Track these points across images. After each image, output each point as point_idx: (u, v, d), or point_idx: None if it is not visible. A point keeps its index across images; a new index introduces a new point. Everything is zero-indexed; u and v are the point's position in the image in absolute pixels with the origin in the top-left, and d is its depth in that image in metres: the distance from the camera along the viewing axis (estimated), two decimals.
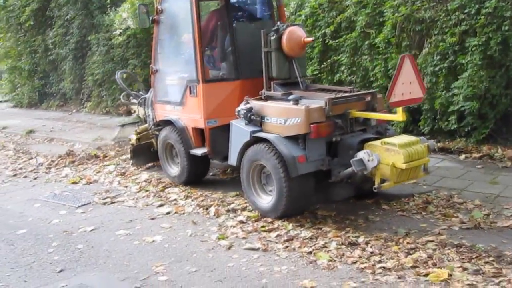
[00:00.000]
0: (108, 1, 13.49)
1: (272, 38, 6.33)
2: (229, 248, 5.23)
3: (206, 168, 7.51)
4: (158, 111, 7.80)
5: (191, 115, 7.04)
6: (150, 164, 8.45)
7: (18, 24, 15.61)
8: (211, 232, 5.66)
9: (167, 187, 7.37)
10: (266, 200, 6.05)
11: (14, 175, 8.57)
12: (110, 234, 5.73)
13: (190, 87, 6.98)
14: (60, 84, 15.54)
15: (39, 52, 15.58)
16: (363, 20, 8.80)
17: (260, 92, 6.44)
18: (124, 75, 9.62)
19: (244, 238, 5.46)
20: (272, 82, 6.47)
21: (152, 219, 6.17)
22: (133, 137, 8.43)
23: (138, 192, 7.27)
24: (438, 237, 5.25)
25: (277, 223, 5.82)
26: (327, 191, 6.23)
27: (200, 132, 7.04)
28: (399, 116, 5.42)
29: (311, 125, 5.55)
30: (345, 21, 9.20)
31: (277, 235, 5.46)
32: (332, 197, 6.36)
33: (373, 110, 5.95)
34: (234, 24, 7.06)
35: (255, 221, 5.91)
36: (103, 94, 13.97)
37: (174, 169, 7.56)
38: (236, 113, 6.19)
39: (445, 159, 7.84)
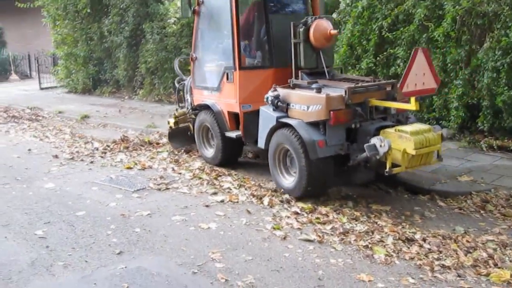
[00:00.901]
0: None
1: (301, 30, 6.77)
2: (284, 238, 5.23)
3: (240, 150, 7.94)
4: (195, 96, 8.28)
5: (227, 100, 7.49)
6: (188, 146, 8.88)
7: (75, 11, 15.92)
8: (266, 222, 5.67)
9: (220, 175, 7.43)
10: (290, 180, 6.49)
11: (71, 158, 8.77)
12: (166, 219, 5.81)
13: (227, 74, 7.42)
14: (114, 71, 15.82)
15: (94, 39, 15.88)
16: (422, 12, 8.61)
17: (289, 80, 6.87)
18: (182, 61, 10.10)
19: (299, 229, 5.46)
20: (300, 71, 6.92)
21: (207, 206, 6.23)
22: (171, 121, 8.81)
23: (191, 179, 7.34)
24: (499, 237, 5.14)
25: (331, 215, 5.81)
26: (349, 174, 6.50)
27: (234, 116, 7.49)
28: (412, 105, 5.69)
29: (331, 112, 5.90)
30: (403, 14, 9.03)
31: (332, 228, 5.44)
32: (354, 180, 6.68)
33: (393, 99, 6.21)
34: (270, 16, 7.44)
35: (309, 212, 5.91)
36: (156, 82, 14.17)
37: (210, 151, 8.06)
38: (265, 100, 6.60)
39: (503, 157, 7.64)
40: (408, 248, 4.94)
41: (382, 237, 5.20)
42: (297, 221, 5.65)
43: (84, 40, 16.18)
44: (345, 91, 5.99)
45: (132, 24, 14.33)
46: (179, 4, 9.17)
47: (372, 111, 6.18)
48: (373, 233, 5.30)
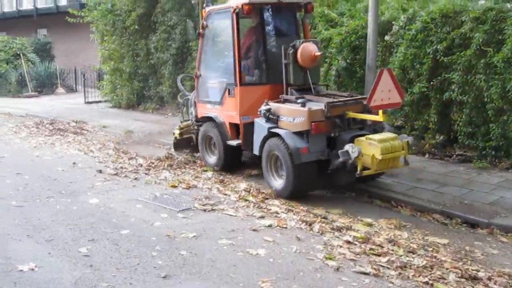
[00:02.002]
0: None
1: (290, 52, 7.83)
2: (338, 269, 4.94)
3: (239, 157, 8.77)
4: (199, 109, 9.20)
5: (229, 112, 8.44)
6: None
7: (123, 27, 16.07)
8: (317, 250, 5.39)
9: (267, 198, 7.20)
10: (279, 182, 7.39)
11: (115, 174, 8.68)
12: (213, 243, 5.59)
13: (229, 89, 8.36)
14: (158, 88, 15.84)
15: (141, 55, 15.97)
16: (480, 37, 8.28)
17: (280, 95, 7.86)
18: (184, 78, 11.34)
19: (352, 260, 5.16)
20: (290, 88, 7.95)
21: (254, 230, 5.99)
22: (177, 132, 9.93)
23: (237, 201, 7.13)
24: None
25: (386, 247, 5.50)
26: (331, 177, 7.34)
27: (235, 126, 8.44)
28: (380, 117, 6.80)
29: (312, 123, 6.90)
30: (459, 37, 8.70)
31: (388, 260, 5.12)
32: (336, 182, 7.47)
33: (368, 112, 7.06)
34: (266, 39, 8.56)
35: (363, 242, 5.60)
36: None
37: (212, 158, 8.95)
38: (258, 112, 7.60)
39: None
40: (473, 287, 4.59)
41: (442, 273, 4.86)
42: (350, 251, 5.36)
43: (131, 56, 16.30)
44: (325, 105, 6.99)
45: (179, 41, 14.34)
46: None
47: (350, 122, 7.20)
48: (432, 268, 4.97)
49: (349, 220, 6.35)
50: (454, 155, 9.08)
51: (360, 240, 5.65)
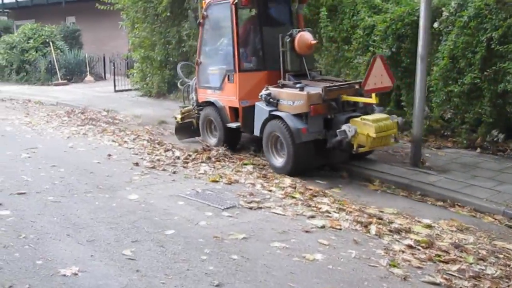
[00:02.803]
0: None
1: (287, 40, 8.41)
2: (405, 278, 4.53)
3: (238, 138, 9.42)
4: (200, 95, 9.78)
5: (228, 97, 9.05)
6: (191, 139, 10.27)
7: (154, 14, 15.68)
8: (378, 256, 4.99)
9: (315, 196, 6.79)
10: (280, 161, 8.00)
11: (152, 167, 8.35)
12: (265, 246, 5.21)
13: (228, 75, 8.96)
14: (190, 76, 15.44)
15: (172, 43, 15.59)
16: None
17: (278, 81, 8.41)
18: (184, 66, 11.63)
19: (419, 267, 4.74)
20: (287, 74, 8.49)
21: (306, 232, 5.60)
22: (178, 116, 10.42)
23: (284, 198, 6.75)
24: None
25: (453, 253, 5.06)
26: (327, 155, 8.06)
27: (234, 110, 9.04)
28: (373, 99, 7.43)
29: (311, 106, 7.51)
30: None
31: (459, 269, 4.68)
32: (332, 160, 8.19)
33: (361, 95, 7.75)
34: (263, 28, 9.02)
35: (426, 247, 5.17)
36: None
37: (213, 140, 9.56)
38: (259, 97, 8.18)
39: None
40: None
41: None
42: (415, 258, 4.93)
43: (162, 44, 15.92)
44: (322, 89, 7.58)
45: None
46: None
47: (344, 105, 7.80)
48: (509, 279, 4.53)
49: (406, 221, 5.92)
50: (509, 150, 8.57)
51: (423, 244, 5.22)
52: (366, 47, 10.39)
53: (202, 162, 8.60)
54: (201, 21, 9.49)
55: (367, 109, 7.91)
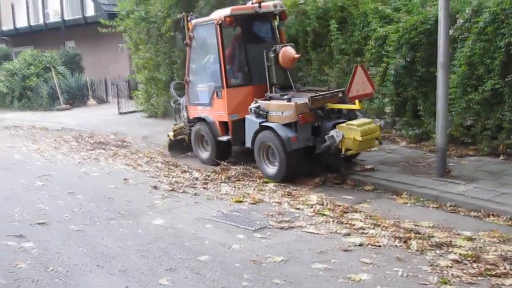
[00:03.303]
0: None
1: (272, 55, 8.88)
2: None
3: (229, 151, 9.82)
4: (190, 112, 10.19)
5: (218, 112, 9.42)
6: (183, 155, 10.74)
7: (158, 35, 15.55)
8: (425, 273, 4.79)
9: (346, 212, 6.60)
10: (272, 169, 8.34)
11: (172, 190, 8.16)
12: (306, 268, 5.01)
13: (217, 92, 9.36)
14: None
15: (177, 62, 15.42)
16: None
17: (265, 94, 8.84)
18: (177, 85, 11.75)
19: (471, 283, 4.55)
20: (273, 87, 8.93)
21: (345, 250, 5.40)
22: (171, 134, 10.74)
23: (314, 216, 6.55)
24: None
25: (502, 266, 4.86)
26: (317, 161, 8.48)
27: (224, 124, 9.41)
28: (356, 106, 7.84)
29: (299, 115, 7.92)
30: None
31: None
32: (321, 165, 8.52)
33: (344, 103, 8.21)
34: (247, 45, 9.42)
35: (473, 261, 4.97)
36: None
37: (205, 153, 9.94)
38: (249, 110, 8.58)
39: None
40: None
41: None
42: (464, 273, 4.73)
43: (167, 64, 15.78)
44: (309, 99, 8.01)
45: None
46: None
47: (329, 112, 8.25)
48: None
49: (445, 235, 5.72)
50: None
51: (469, 258, 5.02)
52: (379, 57, 10.27)
53: (222, 182, 8.42)
54: (188, 42, 9.87)
55: (351, 115, 8.32)
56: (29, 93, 22.74)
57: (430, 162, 8.64)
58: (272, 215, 6.60)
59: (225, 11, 9.20)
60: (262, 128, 8.36)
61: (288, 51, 8.87)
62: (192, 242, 5.86)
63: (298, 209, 6.86)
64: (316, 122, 8.15)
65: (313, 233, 5.96)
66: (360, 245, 5.53)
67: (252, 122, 8.58)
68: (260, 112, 8.40)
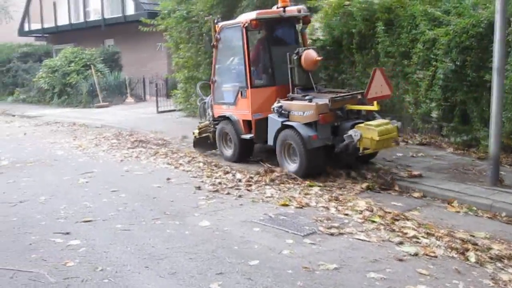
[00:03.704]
0: None
1: (295, 58, 9.19)
2: None
3: (251, 149, 10.18)
4: (215, 110, 10.59)
5: (242, 111, 9.80)
6: (210, 151, 11.21)
7: (199, 34, 15.53)
8: (488, 287, 4.58)
9: (397, 219, 6.40)
10: (293, 165, 8.70)
11: (216, 191, 8.08)
12: (361, 277, 4.85)
13: (241, 91, 9.74)
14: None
15: None
16: None
17: (287, 94, 9.23)
18: (203, 85, 12.22)
19: None
20: (295, 88, 9.30)
21: (400, 260, 5.22)
22: (196, 131, 11.28)
23: (363, 222, 6.38)
24: None
25: None
26: (336, 159, 8.77)
27: (248, 123, 9.79)
28: (375, 107, 8.15)
29: (320, 115, 8.32)
30: None
31: None
32: (340, 162, 8.82)
33: (363, 104, 8.50)
34: (271, 48, 9.88)
35: None
36: None
37: (229, 151, 10.30)
38: (272, 109, 9.01)
39: None
40: None
41: None
42: None
43: (207, 63, 15.71)
44: (329, 100, 8.38)
45: None
46: (317, 25, 11.63)
47: (348, 113, 8.59)
48: None
49: (504, 247, 5.50)
50: None
51: None
52: (428, 61, 10.02)
53: (266, 184, 8.30)
54: (215, 43, 10.26)
55: (369, 116, 8.60)
56: (69, 90, 23.05)
57: (480, 169, 8.40)
58: (320, 221, 6.45)
59: (251, 15, 9.61)
60: (284, 127, 8.72)
61: (310, 54, 9.18)
62: (240, 245, 5.75)
63: (347, 215, 6.70)
64: (335, 122, 8.48)
65: (365, 240, 5.80)
66: (415, 254, 5.34)
67: (274, 121, 8.95)
68: (283, 111, 8.77)
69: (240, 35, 9.54)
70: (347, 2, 11.36)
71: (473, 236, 5.85)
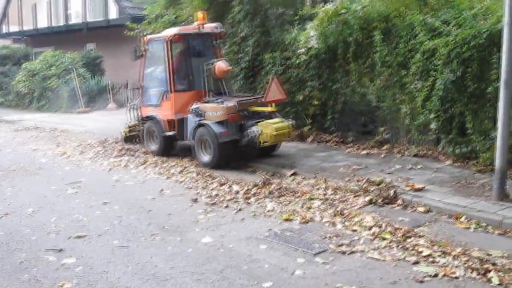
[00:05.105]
0: (297, 18, 12.73)
1: (209, 67, 11.18)
2: None
3: (173, 144, 11.80)
4: (143, 111, 12.34)
5: (165, 112, 11.47)
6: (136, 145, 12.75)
7: None
8: None
9: (409, 236, 6.15)
10: (207, 157, 10.35)
11: (214, 204, 7.77)
12: None
13: (165, 95, 11.42)
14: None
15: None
16: None
17: (203, 98, 11.01)
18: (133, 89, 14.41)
19: None
20: (210, 92, 11.18)
21: (420, 282, 4.97)
22: (126, 130, 13.25)
23: (373, 239, 6.12)
24: None
25: None
26: (242, 152, 10.39)
27: (170, 122, 11.42)
28: (272, 108, 10.04)
29: (229, 115, 10.03)
30: None
31: None
32: (246, 155, 10.44)
33: (264, 106, 10.17)
34: (191, 58, 11.65)
35: None
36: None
37: (154, 146, 11.90)
38: (190, 110, 10.72)
39: None
40: None
41: None
42: None
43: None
44: (236, 103, 10.14)
45: (251, 54, 13.40)
46: (312, 33, 11.67)
47: (253, 113, 10.35)
48: None
49: None
50: None
51: None
52: (426, 71, 9.83)
53: (265, 197, 8.01)
54: (143, 53, 11.93)
55: (272, 116, 10.30)
56: (49, 94, 22.43)
57: (484, 183, 8.20)
58: (329, 237, 6.18)
59: (174, 30, 11.53)
60: (200, 125, 10.37)
61: (221, 65, 11.12)
62: (249, 265, 5.44)
63: (355, 231, 6.44)
64: (242, 120, 10.19)
65: (378, 259, 5.53)
66: (435, 275, 5.09)
67: (192, 120, 10.66)
68: (199, 112, 10.48)
69: (164, 47, 11.23)
70: (343, 10, 11.16)
71: (490, 255, 5.63)
